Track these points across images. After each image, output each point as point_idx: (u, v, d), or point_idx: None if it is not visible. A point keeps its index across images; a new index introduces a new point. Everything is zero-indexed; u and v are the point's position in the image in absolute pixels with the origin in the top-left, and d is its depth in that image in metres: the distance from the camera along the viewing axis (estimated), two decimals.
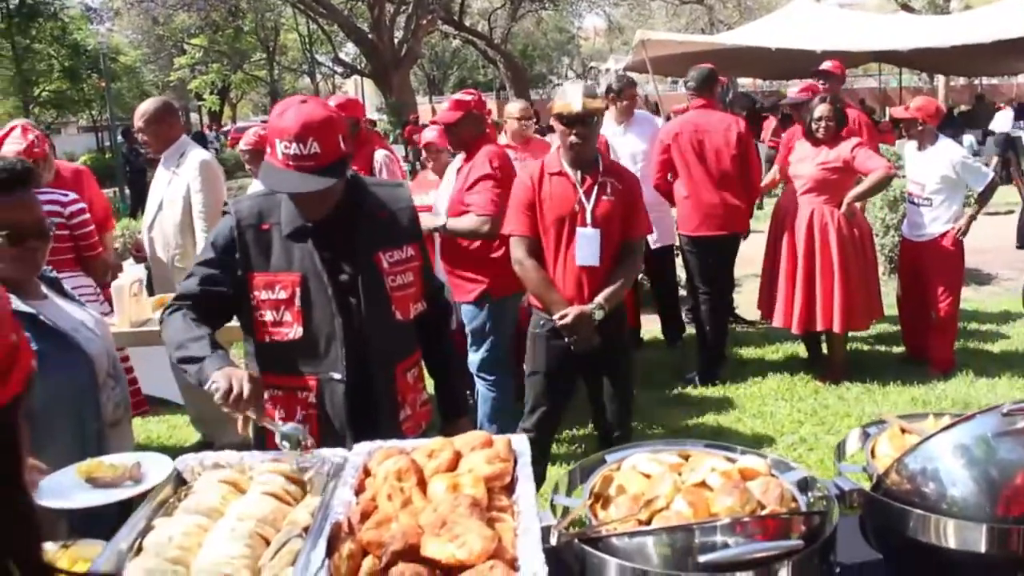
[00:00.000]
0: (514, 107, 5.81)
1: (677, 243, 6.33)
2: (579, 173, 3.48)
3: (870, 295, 5.70)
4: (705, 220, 5.78)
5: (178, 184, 4.70)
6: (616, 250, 3.51)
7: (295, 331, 2.35)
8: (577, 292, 3.48)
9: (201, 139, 24.69)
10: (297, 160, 2.20)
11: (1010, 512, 1.55)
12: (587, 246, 3.46)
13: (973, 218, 5.74)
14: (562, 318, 3.41)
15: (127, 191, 17.87)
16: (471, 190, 4.24)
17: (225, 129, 34.14)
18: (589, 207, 3.45)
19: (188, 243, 4.68)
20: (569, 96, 3.38)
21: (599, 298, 3.42)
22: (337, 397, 2.38)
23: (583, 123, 3.34)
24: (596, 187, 3.46)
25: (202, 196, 4.64)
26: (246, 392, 2.07)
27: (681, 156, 5.77)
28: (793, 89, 6.70)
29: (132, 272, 4.62)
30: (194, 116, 44.59)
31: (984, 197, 5.67)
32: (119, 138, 20.24)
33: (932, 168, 5.65)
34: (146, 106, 4.77)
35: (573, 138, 3.37)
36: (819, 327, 5.67)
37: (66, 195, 4.26)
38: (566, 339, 3.47)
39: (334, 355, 2.36)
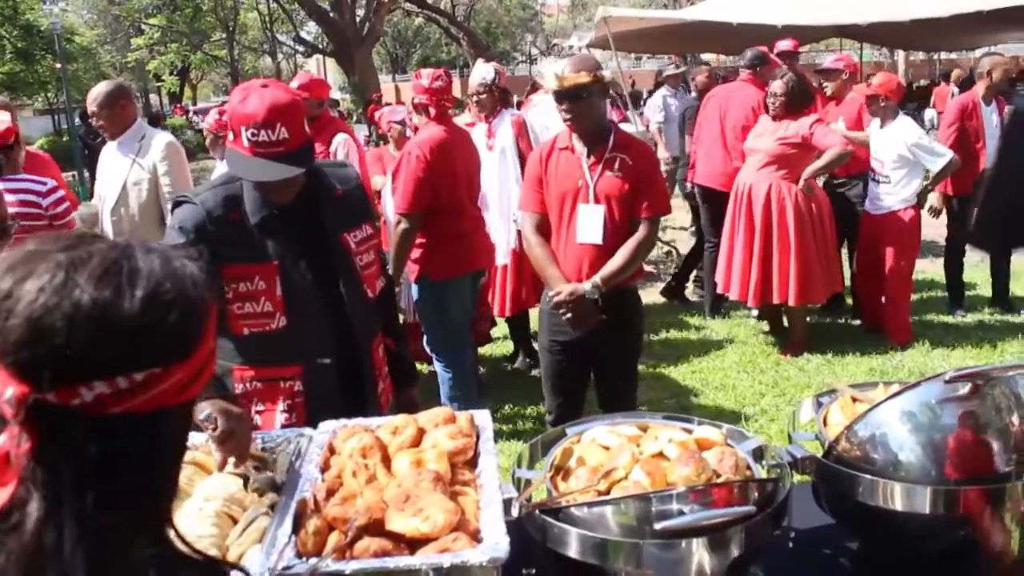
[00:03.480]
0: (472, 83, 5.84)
1: None
2: (587, 148, 3.39)
3: (829, 268, 5.80)
4: (711, 175, 6.50)
5: (141, 167, 4.67)
6: (625, 229, 3.37)
7: (279, 320, 2.30)
8: (577, 270, 3.40)
9: (155, 122, 24.30)
10: (265, 147, 2.15)
11: (952, 474, 1.62)
12: (589, 223, 3.37)
13: (929, 190, 5.89)
14: (556, 295, 3.31)
15: (86, 175, 17.55)
16: (394, 186, 4.45)
17: (192, 109, 33.66)
18: (592, 183, 3.35)
19: (153, 225, 4.66)
20: (545, 74, 3.35)
21: (596, 277, 3.28)
22: (327, 381, 2.37)
23: (570, 98, 3.26)
24: (603, 162, 3.36)
25: (170, 178, 4.63)
26: (240, 437, 1.84)
27: (707, 115, 6.59)
28: (830, 57, 7.27)
29: None
30: (153, 98, 43.85)
31: (938, 177, 5.81)
32: (76, 121, 19.85)
33: (890, 146, 5.76)
34: (99, 89, 4.70)
35: (563, 114, 3.31)
36: (775, 300, 5.78)
37: (43, 183, 4.16)
38: (563, 318, 3.35)
39: (320, 339, 2.35)
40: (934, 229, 8.30)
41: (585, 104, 3.28)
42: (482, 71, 5.26)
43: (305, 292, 2.32)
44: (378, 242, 2.55)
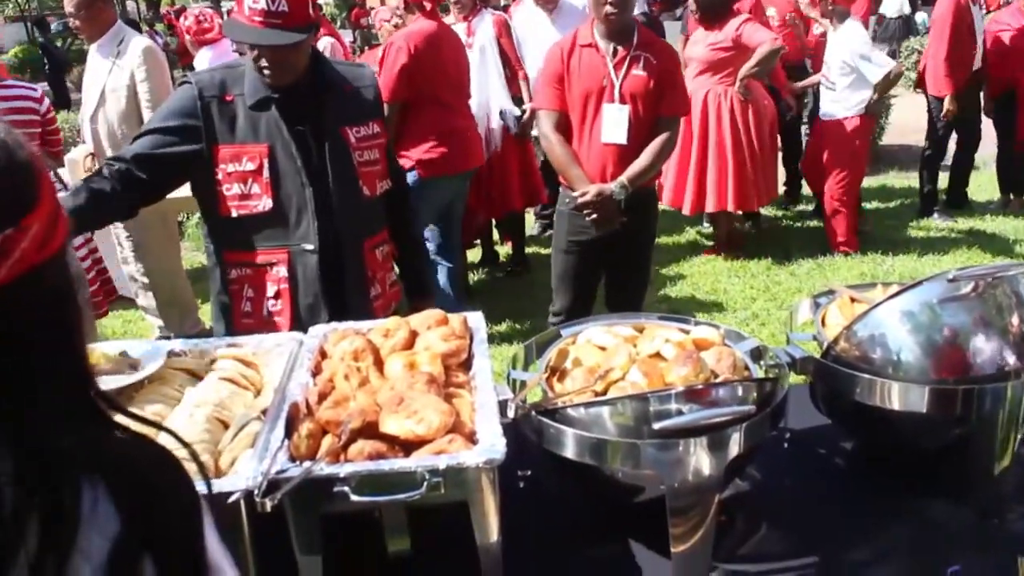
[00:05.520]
0: None
1: None
2: (612, 46, 3.31)
3: (766, 175, 5.76)
4: None
5: (120, 72, 4.52)
6: (648, 129, 3.32)
7: (264, 203, 2.32)
8: (601, 171, 3.34)
9: (134, 26, 23.53)
10: (264, 16, 2.19)
11: (950, 373, 1.61)
12: (614, 122, 3.31)
13: (873, 101, 5.75)
14: (582, 195, 3.26)
15: (46, 87, 17.02)
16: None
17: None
18: (618, 82, 3.28)
19: (134, 132, 4.55)
20: None
21: (622, 177, 3.25)
22: (310, 269, 2.37)
23: None
24: (628, 60, 3.29)
25: (148, 85, 4.48)
26: None
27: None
28: None
29: (83, 147, 4.45)
30: (131, 4, 42.42)
31: (881, 88, 5.70)
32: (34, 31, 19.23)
33: (836, 52, 5.69)
34: None
35: (608, 7, 3.19)
36: (710, 208, 5.78)
37: (35, 89, 4.13)
38: (587, 219, 3.31)
39: (305, 226, 2.35)
40: (919, 136, 8.25)
41: None
42: None
43: (294, 177, 2.33)
44: (384, 142, 2.52)
